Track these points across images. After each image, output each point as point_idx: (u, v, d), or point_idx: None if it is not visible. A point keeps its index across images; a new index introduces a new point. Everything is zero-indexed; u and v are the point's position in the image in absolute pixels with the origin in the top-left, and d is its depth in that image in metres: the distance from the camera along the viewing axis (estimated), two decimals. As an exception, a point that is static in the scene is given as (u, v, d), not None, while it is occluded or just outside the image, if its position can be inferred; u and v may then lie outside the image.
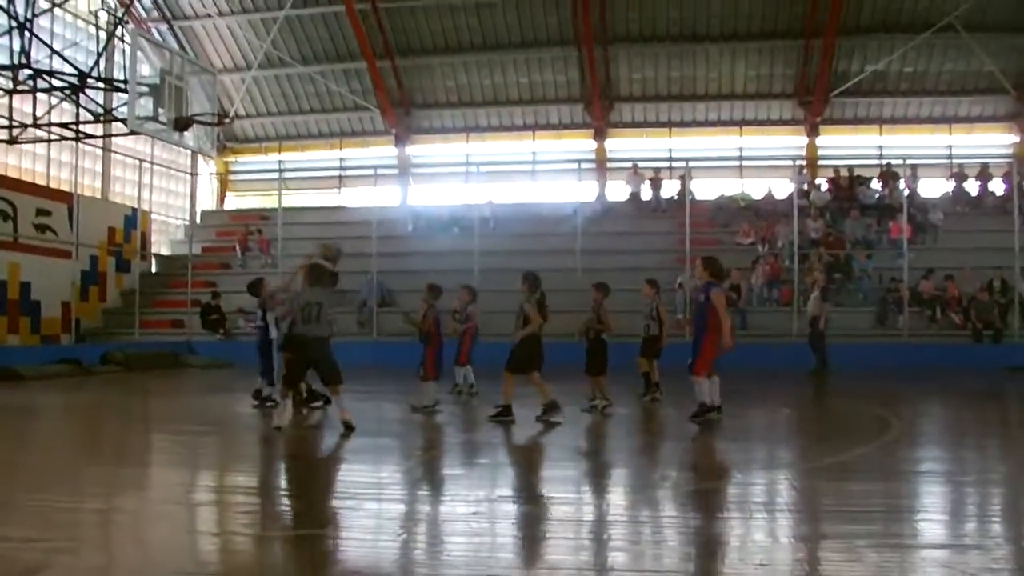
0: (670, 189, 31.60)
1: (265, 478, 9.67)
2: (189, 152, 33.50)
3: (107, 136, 26.66)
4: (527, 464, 10.48)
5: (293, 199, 35.94)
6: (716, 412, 12.98)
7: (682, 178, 30.13)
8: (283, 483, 9.42)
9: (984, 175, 30.83)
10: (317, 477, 9.39)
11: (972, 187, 30.91)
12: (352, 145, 36.68)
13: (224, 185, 37.86)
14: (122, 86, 20.63)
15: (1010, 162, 31.24)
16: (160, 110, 19.60)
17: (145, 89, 19.63)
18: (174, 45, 31.63)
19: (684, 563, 6.12)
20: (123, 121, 20.84)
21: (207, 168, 36.85)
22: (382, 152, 35.91)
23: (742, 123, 34.34)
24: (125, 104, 20.34)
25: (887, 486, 8.67)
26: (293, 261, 28.30)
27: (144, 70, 23.81)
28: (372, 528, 7.09)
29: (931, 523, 7.38)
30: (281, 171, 34.05)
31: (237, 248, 32.09)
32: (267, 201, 36.36)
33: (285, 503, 8.17)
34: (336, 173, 36.85)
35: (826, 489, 8.62)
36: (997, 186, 30.39)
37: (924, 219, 28.73)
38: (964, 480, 9.51)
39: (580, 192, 30.25)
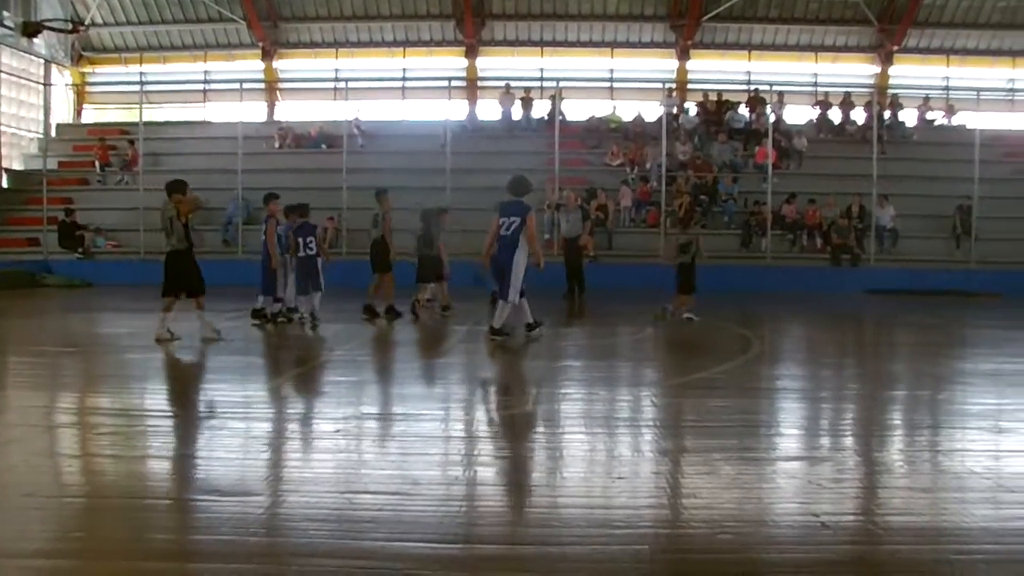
0: (541, 109, 31.44)
1: (127, 399, 9.34)
2: (42, 61, 31.88)
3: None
4: (392, 381, 10.39)
5: (155, 113, 34.53)
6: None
7: (553, 98, 29.96)
8: (145, 404, 9.13)
9: (847, 104, 31.45)
10: (183, 397, 9.13)
11: (836, 115, 31.52)
12: (217, 58, 35.38)
13: (81, 97, 36.03)
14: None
15: (872, 92, 31.97)
16: (5, 13, 18.55)
17: (-12, -11, 18.59)
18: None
19: (548, 476, 6.17)
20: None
21: (62, 79, 35.02)
22: (249, 66, 34.76)
23: (614, 44, 34.19)
24: (-33, 6, 19.16)
25: (745, 402, 8.84)
26: (157, 178, 27.60)
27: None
28: (236, 447, 6.92)
29: (786, 437, 7.55)
30: (142, 83, 32.50)
31: (96, 163, 30.82)
32: (128, 115, 34.82)
33: (148, 424, 7.89)
34: (201, 87, 35.56)
35: (687, 405, 8.76)
36: (859, 115, 31.04)
37: (789, 145, 29.21)
38: (819, 396, 9.77)
39: (451, 111, 29.82)
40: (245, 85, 30.31)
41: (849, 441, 7.64)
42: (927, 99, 31.79)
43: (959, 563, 4.48)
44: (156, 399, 9.22)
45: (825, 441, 7.66)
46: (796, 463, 6.52)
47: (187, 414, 8.15)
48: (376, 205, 16.83)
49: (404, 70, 34.50)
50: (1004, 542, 4.77)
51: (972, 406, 8.92)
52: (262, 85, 34.47)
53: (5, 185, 30.87)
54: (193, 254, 13.20)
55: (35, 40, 19.61)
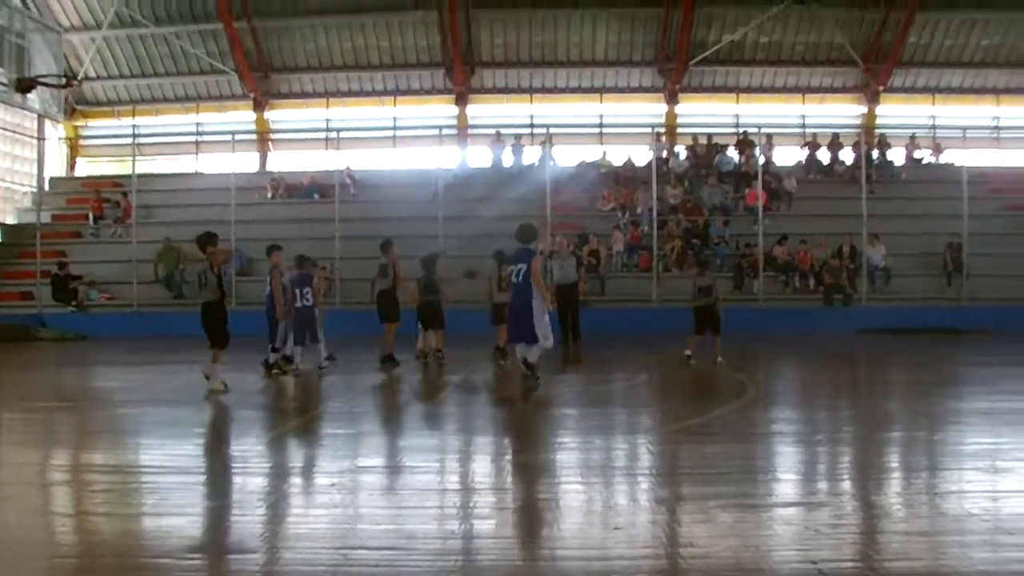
0: (532, 155, 31.57)
1: (121, 455, 9.30)
2: (35, 115, 31.95)
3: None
4: (389, 432, 10.36)
5: (148, 165, 34.61)
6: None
7: (543, 144, 30.12)
8: (141, 460, 9.09)
9: (835, 144, 31.64)
10: (178, 451, 9.09)
11: (824, 156, 31.71)
12: (209, 109, 35.54)
13: (75, 150, 36.15)
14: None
15: (859, 132, 32.20)
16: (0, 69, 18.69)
17: (-19, 47, 18.72)
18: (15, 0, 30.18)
19: (545, 528, 6.14)
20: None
21: (55, 133, 35.12)
22: (240, 117, 34.92)
23: (603, 90, 34.45)
24: (-40, 64, 19.29)
25: (742, 447, 8.85)
26: (150, 230, 27.68)
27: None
28: (232, 503, 6.91)
29: (782, 483, 7.55)
30: (135, 136, 32.64)
31: (90, 216, 30.87)
32: (121, 167, 34.91)
33: (144, 480, 7.86)
34: (193, 138, 35.68)
35: (683, 452, 8.75)
36: (847, 155, 31.22)
37: (779, 186, 29.38)
38: (815, 440, 9.75)
39: (442, 158, 29.93)
40: (237, 136, 30.53)
41: (846, 485, 7.63)
42: (913, 137, 32.01)
43: (959, 609, 4.47)
44: (150, 455, 9.17)
45: (822, 486, 7.65)
46: (793, 509, 6.51)
47: (183, 470, 8.11)
48: (382, 255, 16.87)
49: (395, 119, 34.68)
50: (1003, 586, 4.77)
51: (968, 446, 8.94)
52: (254, 136, 34.62)
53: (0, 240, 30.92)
54: (225, 305, 13.40)
55: (29, 96, 19.64)
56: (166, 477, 7.77)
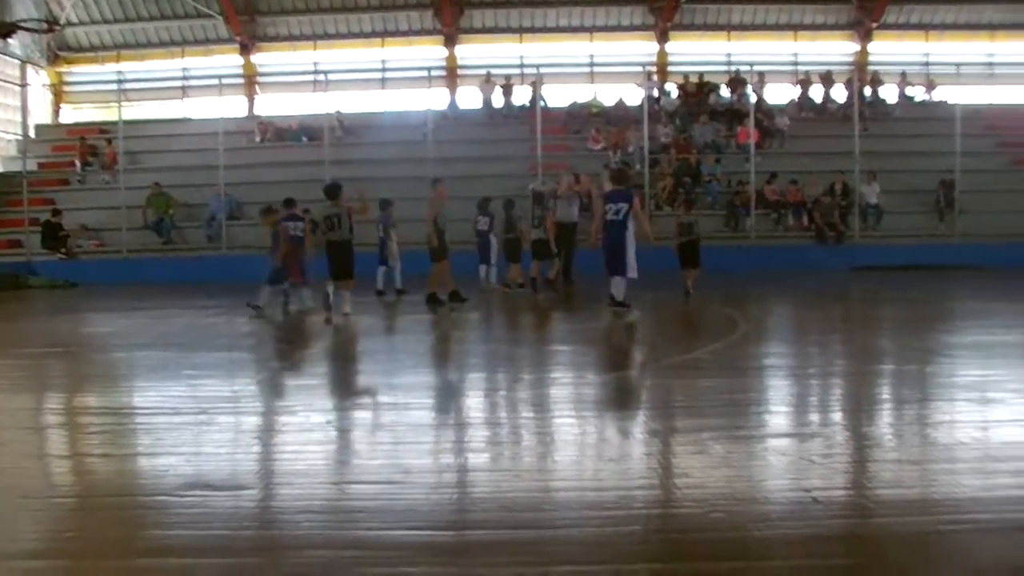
0: (522, 96, 31.37)
1: (115, 398, 9.32)
2: (17, 62, 31.56)
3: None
4: (378, 371, 10.37)
5: (134, 111, 34.26)
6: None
7: (533, 85, 29.90)
8: (135, 402, 9.11)
9: (827, 82, 31.47)
10: (172, 393, 9.09)
11: (817, 93, 31.55)
12: (195, 54, 35.13)
13: (59, 97, 35.73)
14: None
15: (852, 69, 32.04)
16: (-23, 16, 18.38)
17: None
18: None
19: (540, 461, 6.18)
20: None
21: (39, 79, 34.73)
22: (227, 61, 34.58)
23: (593, 29, 34.18)
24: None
25: (734, 381, 8.87)
26: (138, 176, 27.47)
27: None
28: (227, 442, 6.92)
29: (775, 415, 7.58)
30: (120, 82, 32.26)
31: (77, 163, 30.60)
32: (106, 114, 34.54)
33: (138, 421, 7.88)
34: (179, 83, 35.35)
35: (677, 386, 8.78)
36: (840, 93, 31.07)
37: (771, 124, 29.25)
38: (807, 373, 9.80)
39: (431, 100, 29.68)
40: (224, 80, 30.20)
41: (838, 417, 7.68)
42: (905, 75, 31.81)
43: (949, 533, 4.51)
44: (144, 397, 9.19)
45: (815, 417, 7.69)
46: (786, 440, 6.56)
47: (177, 410, 8.12)
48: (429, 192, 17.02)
49: (384, 61, 34.38)
50: (993, 511, 4.80)
51: (959, 378, 8.99)
52: (241, 80, 34.30)
53: (-15, 188, 30.66)
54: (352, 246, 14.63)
55: (10, 40, 19.38)
56: (160, 418, 7.79)
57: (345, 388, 9.39)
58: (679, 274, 17.08)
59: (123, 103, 29.47)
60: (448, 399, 8.71)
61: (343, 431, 7.17)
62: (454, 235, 17.50)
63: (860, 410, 7.69)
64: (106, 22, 34.16)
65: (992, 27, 33.78)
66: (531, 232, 18.44)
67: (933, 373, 9.41)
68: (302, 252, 16.14)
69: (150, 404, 8.68)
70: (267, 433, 7.23)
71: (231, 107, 32.74)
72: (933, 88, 31.58)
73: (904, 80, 31.64)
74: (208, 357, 11.62)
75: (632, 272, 14.16)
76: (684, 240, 17.14)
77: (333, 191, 14.96)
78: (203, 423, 7.49)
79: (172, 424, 7.45)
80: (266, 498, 5.38)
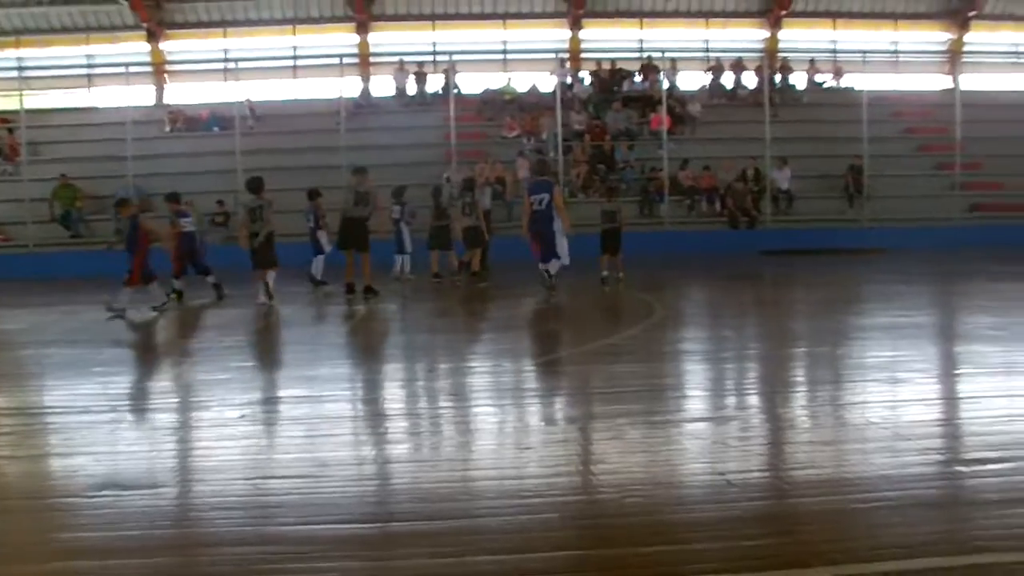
0: (435, 83, 31.24)
1: (23, 397, 9.09)
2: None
3: None
4: (294, 363, 10.27)
5: (37, 100, 33.26)
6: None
7: (447, 72, 29.81)
8: (43, 400, 8.87)
9: (738, 68, 31.86)
10: (81, 391, 8.87)
11: (728, 80, 31.91)
12: (101, 41, 34.16)
13: (-44, 85, 34.76)
14: None
15: (762, 56, 32.52)
16: None
17: None
18: None
19: (459, 450, 6.16)
20: None
21: (-65, 65, 33.61)
22: (134, 48, 33.72)
23: (506, 16, 34.13)
24: None
25: (649, 366, 8.96)
26: (43, 168, 26.78)
27: None
28: (139, 439, 6.78)
29: (691, 399, 7.67)
30: (20, 68, 31.34)
31: (-23, 153, 29.71)
32: (7, 102, 33.45)
33: (47, 421, 7.68)
34: (84, 71, 34.43)
35: (592, 372, 8.82)
36: (750, 79, 31.47)
37: (683, 111, 29.52)
38: (722, 357, 9.91)
39: (344, 88, 29.38)
40: (131, 68, 29.49)
41: (753, 400, 7.78)
42: (814, 62, 32.34)
43: (861, 511, 4.59)
44: (53, 395, 8.96)
45: (729, 401, 7.79)
46: (701, 424, 6.62)
47: (87, 409, 7.93)
48: (355, 183, 16.40)
49: (295, 48, 33.93)
50: (903, 488, 4.90)
51: (869, 359, 9.16)
52: (149, 68, 33.53)
53: None
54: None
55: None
56: (70, 417, 7.60)
57: (261, 381, 9.26)
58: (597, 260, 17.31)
59: (25, 91, 28.66)
60: (364, 390, 8.66)
61: (258, 425, 7.06)
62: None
63: (774, 392, 7.81)
64: (3, 6, 32.98)
65: (895, 16, 34.55)
66: (462, 219, 18.26)
67: (844, 355, 9.58)
68: (192, 246, 16.85)
69: (58, 403, 8.45)
70: (180, 430, 7.10)
71: (139, 96, 31.95)
72: (841, 75, 32.16)
73: (813, 67, 32.18)
74: (119, 353, 11.40)
75: (565, 259, 15.00)
76: (607, 227, 17.48)
77: (255, 185, 15.36)
78: (114, 421, 7.34)
79: (82, 423, 7.28)
80: (180, 496, 5.28)
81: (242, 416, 7.27)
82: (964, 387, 7.93)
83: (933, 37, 35.30)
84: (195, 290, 16.57)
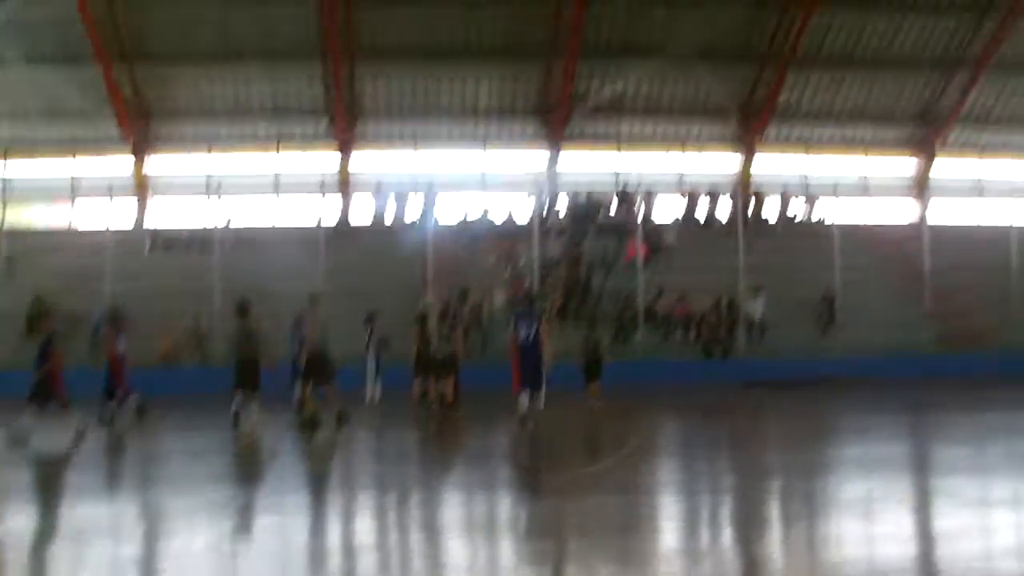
0: (414, 208, 31.39)
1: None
2: None
3: None
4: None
5: (20, 213, 33.11)
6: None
7: (426, 197, 30.13)
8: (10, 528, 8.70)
9: (714, 199, 32.34)
10: (53, 518, 8.73)
11: (702, 209, 32.36)
12: (87, 154, 34.09)
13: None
14: None
15: (736, 184, 33.14)
16: None
17: None
18: None
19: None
20: None
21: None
22: (119, 163, 33.66)
23: (485, 139, 34.65)
24: None
25: (622, 500, 8.89)
26: (18, 284, 26.57)
27: None
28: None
29: (664, 534, 7.59)
30: (4, 182, 31.27)
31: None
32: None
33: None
34: (68, 186, 34.31)
35: (565, 507, 8.74)
36: (725, 209, 31.91)
37: (658, 240, 29.82)
38: (695, 491, 9.85)
39: (324, 211, 29.49)
40: (115, 185, 29.54)
41: (727, 535, 7.73)
42: (785, 192, 32.93)
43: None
44: (13, 522, 8.77)
45: (704, 536, 7.73)
46: (676, 562, 6.55)
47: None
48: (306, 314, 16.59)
49: (277, 173, 34.20)
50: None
51: (842, 494, 9.14)
52: (132, 184, 33.58)
53: None
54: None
55: None
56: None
57: (232, 511, 9.12)
58: (581, 388, 17.95)
59: (8, 204, 28.62)
60: (336, 522, 8.56)
61: (225, 558, 6.95)
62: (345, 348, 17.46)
63: (749, 528, 7.75)
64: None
65: (865, 143, 35.53)
66: (442, 347, 18.21)
67: (818, 488, 9.55)
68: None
69: (19, 529, 8.29)
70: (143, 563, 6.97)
71: (121, 212, 31.87)
72: (813, 203, 32.77)
73: (786, 196, 32.75)
74: (86, 478, 11.22)
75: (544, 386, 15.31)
76: (591, 358, 18.22)
77: (243, 309, 15.63)
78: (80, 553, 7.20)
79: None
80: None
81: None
82: (940, 523, 7.91)
83: (902, 164, 36.19)
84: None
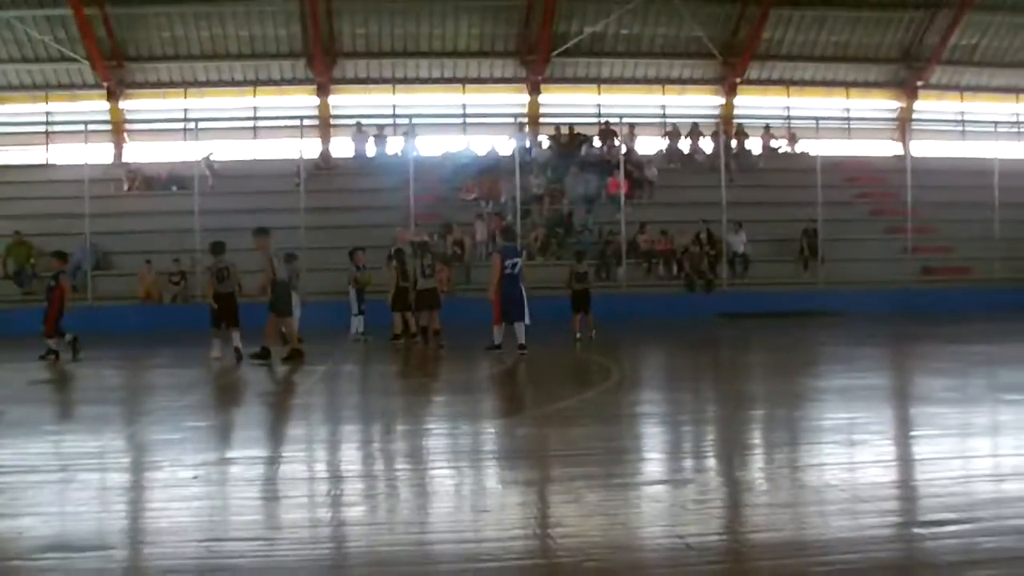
0: (394, 146, 31.31)
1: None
2: None
3: None
4: (253, 423, 10.14)
5: (-6, 156, 32.87)
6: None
7: (406, 135, 29.98)
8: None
9: (695, 134, 32.29)
10: (28, 450, 8.69)
11: (684, 145, 32.30)
12: (60, 99, 34.02)
13: (-88, 140, 34.29)
14: None
15: (717, 122, 33.01)
16: None
17: None
18: None
19: (416, 513, 6.07)
20: None
21: None
22: (93, 107, 33.57)
23: (465, 80, 34.47)
24: None
25: (607, 429, 8.92)
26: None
27: None
28: (89, 500, 6.61)
29: (649, 462, 7.64)
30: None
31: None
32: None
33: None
34: (43, 128, 34.15)
35: (550, 435, 8.76)
36: (706, 145, 31.87)
37: (640, 175, 29.80)
38: (680, 420, 9.90)
39: (303, 149, 29.36)
40: (90, 127, 29.24)
41: (711, 462, 7.77)
42: (768, 128, 32.89)
43: (820, 574, 4.56)
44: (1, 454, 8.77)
45: (687, 464, 7.76)
46: (660, 487, 6.58)
47: (34, 468, 7.76)
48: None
49: (255, 109, 33.97)
50: (861, 551, 4.87)
51: (826, 421, 9.19)
52: (108, 127, 33.32)
53: None
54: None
55: None
56: (16, 476, 7.43)
57: (215, 442, 9.11)
58: (568, 321, 18.48)
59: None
60: (321, 451, 8.56)
61: (211, 486, 6.94)
62: (327, 284, 17.45)
63: (732, 455, 7.79)
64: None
65: (847, 84, 35.37)
66: (422, 281, 18.07)
67: (801, 417, 9.60)
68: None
69: (4, 462, 8.28)
70: (131, 490, 6.96)
71: (98, 154, 31.67)
72: (795, 141, 32.71)
73: (768, 133, 32.71)
74: (70, 410, 11.20)
75: (528, 318, 15.78)
76: (578, 288, 18.70)
77: (218, 248, 16.33)
78: (63, 481, 7.18)
79: (28, 483, 7.11)
80: (129, 558, 5.16)
81: (195, 477, 7.14)
82: (921, 448, 7.95)
83: (883, 105, 36.08)
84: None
